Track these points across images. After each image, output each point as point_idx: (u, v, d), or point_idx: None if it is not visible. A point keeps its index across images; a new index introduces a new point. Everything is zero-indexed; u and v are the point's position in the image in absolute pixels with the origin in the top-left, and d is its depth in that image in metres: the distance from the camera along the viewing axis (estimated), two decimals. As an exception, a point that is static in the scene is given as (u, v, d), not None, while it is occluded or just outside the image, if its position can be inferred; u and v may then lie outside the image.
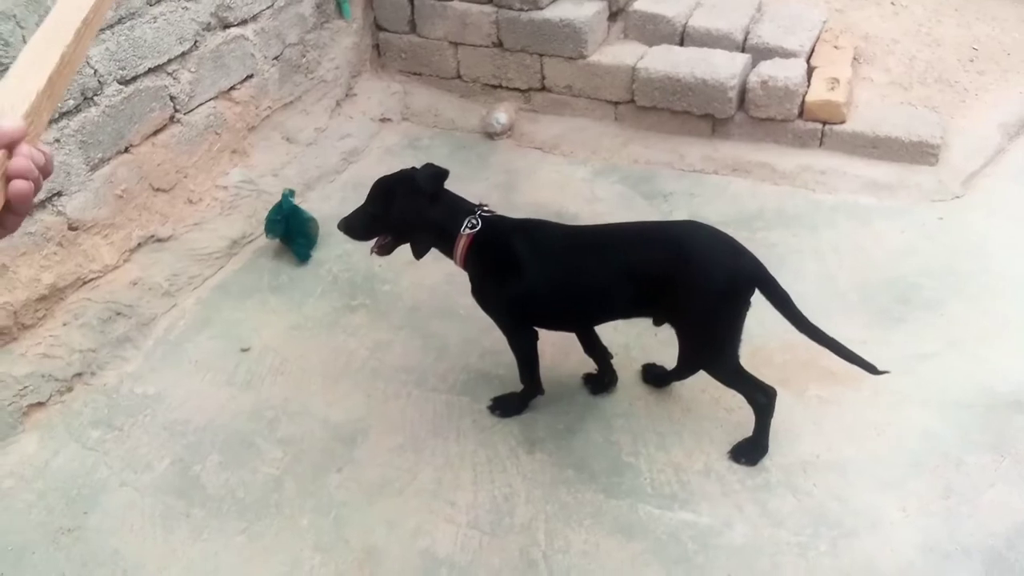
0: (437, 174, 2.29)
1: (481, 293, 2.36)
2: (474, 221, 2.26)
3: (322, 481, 2.36)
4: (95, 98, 2.80)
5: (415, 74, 4.13)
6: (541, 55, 3.83)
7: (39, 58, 0.86)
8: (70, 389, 2.67)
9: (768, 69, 3.52)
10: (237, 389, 2.67)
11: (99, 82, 2.80)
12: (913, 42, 3.98)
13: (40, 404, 2.60)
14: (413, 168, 2.34)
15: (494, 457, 2.41)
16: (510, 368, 2.53)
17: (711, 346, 2.26)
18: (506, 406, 2.53)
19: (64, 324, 2.73)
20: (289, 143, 3.62)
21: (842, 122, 3.48)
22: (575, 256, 2.26)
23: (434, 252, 2.40)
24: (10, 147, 0.79)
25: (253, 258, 3.22)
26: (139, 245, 3.01)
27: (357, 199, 3.49)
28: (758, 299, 2.21)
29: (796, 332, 2.22)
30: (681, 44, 3.79)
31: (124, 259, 2.95)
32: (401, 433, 2.49)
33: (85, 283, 2.83)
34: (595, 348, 2.54)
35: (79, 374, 2.69)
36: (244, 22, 3.36)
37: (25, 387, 2.57)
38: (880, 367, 2.22)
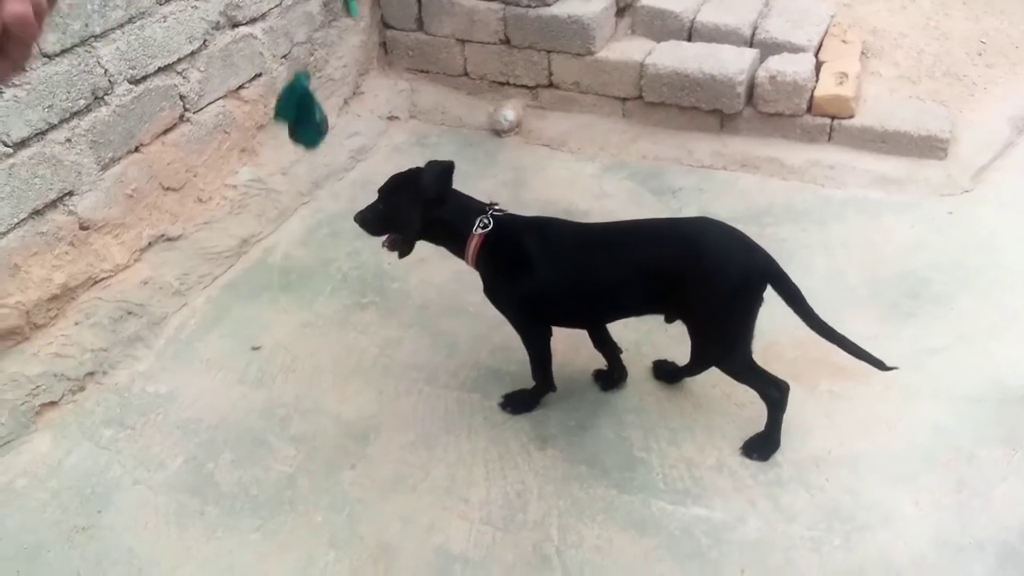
0: (442, 172, 2.29)
1: (494, 292, 2.36)
2: (486, 221, 2.26)
3: (335, 478, 2.37)
4: (106, 97, 2.80)
5: (422, 72, 4.13)
6: (549, 52, 3.83)
7: None
8: (82, 388, 2.68)
9: (776, 64, 3.52)
10: (249, 387, 2.68)
11: (110, 81, 2.81)
12: (921, 36, 3.97)
13: (53, 403, 2.61)
14: (420, 168, 2.34)
15: (506, 453, 2.41)
16: (520, 365, 2.54)
17: (724, 342, 2.26)
18: (517, 403, 2.54)
19: (76, 323, 2.74)
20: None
21: (851, 117, 3.48)
22: (587, 254, 2.26)
23: (440, 251, 2.41)
24: None
25: (263, 256, 3.23)
26: (149, 244, 3.02)
27: (366, 197, 3.49)
28: (770, 295, 2.22)
29: (807, 328, 2.22)
30: (689, 39, 3.79)
31: (135, 258, 2.96)
32: (413, 430, 2.50)
33: (96, 282, 2.84)
34: (605, 343, 2.55)
35: (91, 373, 2.70)
36: (253, 21, 3.37)
37: (38, 386, 2.58)
38: (890, 362, 2.22)
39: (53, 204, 2.70)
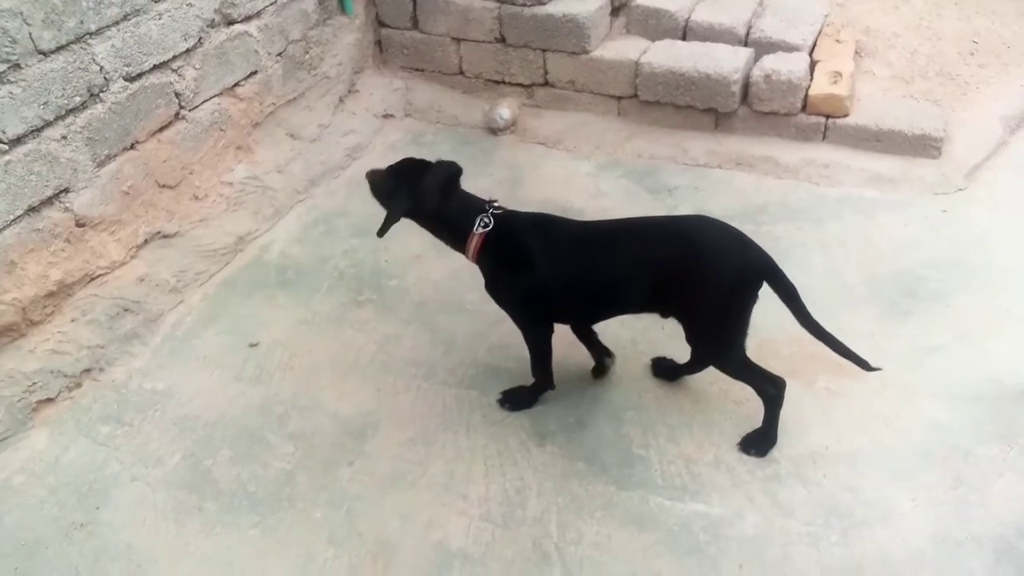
0: (445, 180, 2.29)
1: (495, 289, 2.37)
2: (486, 220, 2.27)
3: (334, 475, 2.37)
4: (101, 95, 2.80)
5: (417, 70, 4.13)
6: (544, 50, 3.83)
7: None
8: (79, 385, 2.67)
9: (771, 63, 3.54)
10: (246, 384, 2.68)
11: (105, 79, 2.79)
12: (914, 36, 4.00)
13: (49, 400, 2.60)
14: (432, 166, 2.33)
15: (505, 450, 2.42)
16: (519, 362, 2.54)
17: (720, 339, 2.27)
18: (516, 400, 2.54)
19: (72, 320, 2.73)
20: (293, 139, 3.62)
21: (845, 116, 3.50)
22: (587, 251, 2.27)
23: (437, 247, 2.42)
24: None
25: (259, 254, 3.22)
26: (146, 241, 3.02)
27: (362, 195, 3.49)
28: (765, 292, 2.23)
29: (804, 324, 2.23)
30: (684, 38, 3.80)
31: (131, 255, 2.96)
32: (411, 427, 2.50)
33: (93, 279, 2.83)
34: (587, 335, 2.57)
35: (88, 370, 2.69)
36: (248, 19, 3.36)
37: (34, 383, 2.57)
38: (888, 360, 2.24)
39: (49, 201, 2.69)
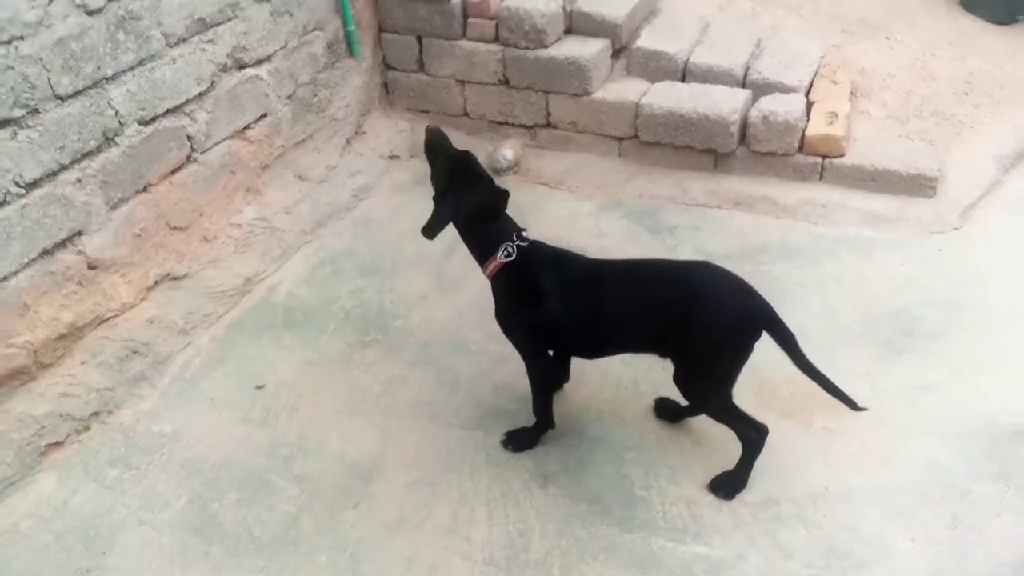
0: (485, 208, 2.34)
1: (504, 315, 2.43)
2: (510, 249, 2.32)
3: (339, 518, 2.39)
4: (116, 139, 2.87)
5: (423, 112, 4.22)
6: (546, 92, 3.92)
7: None
8: (87, 428, 2.71)
9: (768, 104, 3.61)
10: (253, 426, 2.72)
11: (120, 123, 2.87)
12: (909, 76, 4.07)
13: (58, 443, 2.64)
14: (482, 177, 2.39)
15: (508, 492, 2.44)
16: (522, 403, 2.58)
17: (709, 383, 2.32)
18: (519, 440, 2.58)
19: (82, 363, 2.77)
20: (301, 180, 3.69)
21: (841, 156, 3.56)
22: (595, 291, 2.33)
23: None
24: None
25: (267, 295, 3.27)
26: (156, 283, 3.07)
27: (369, 234, 3.59)
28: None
29: (802, 365, 2.28)
30: (683, 80, 3.88)
31: (141, 297, 3.01)
32: (416, 469, 2.53)
33: (103, 322, 2.88)
34: (564, 366, 2.66)
35: (96, 413, 2.73)
36: (259, 62, 3.45)
37: (43, 426, 2.61)
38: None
39: (63, 244, 2.75)
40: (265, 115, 3.52)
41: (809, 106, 3.69)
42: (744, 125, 3.65)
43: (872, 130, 3.76)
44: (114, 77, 2.82)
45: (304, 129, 3.76)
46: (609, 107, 3.84)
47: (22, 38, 2.50)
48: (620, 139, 3.90)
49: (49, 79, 2.60)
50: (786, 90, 3.73)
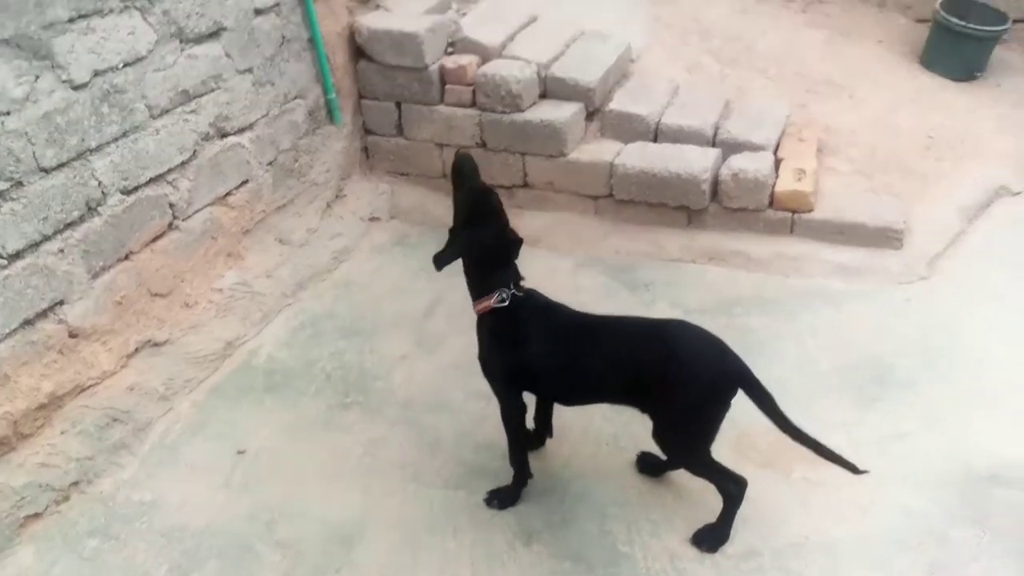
0: (489, 257, 2.37)
1: (484, 357, 2.47)
2: (505, 296, 2.35)
3: (322, 583, 2.37)
4: (99, 208, 2.91)
5: (402, 174, 4.30)
6: (523, 154, 4.02)
7: None
8: (67, 498, 2.68)
9: (738, 162, 3.73)
10: (234, 492, 2.70)
11: (103, 193, 2.92)
12: (873, 133, 4.22)
13: (37, 515, 2.61)
14: (497, 222, 2.41)
15: (492, 552, 2.44)
16: (505, 460, 2.59)
17: (686, 440, 2.36)
18: (502, 498, 2.59)
19: (62, 432, 2.76)
20: (282, 244, 3.74)
21: (810, 210, 3.67)
22: (575, 343, 2.37)
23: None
24: None
25: (247, 359, 3.28)
26: (136, 350, 3.08)
27: (349, 296, 3.62)
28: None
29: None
30: (655, 140, 4.00)
31: (122, 364, 3.01)
32: (398, 530, 2.53)
33: (83, 390, 2.87)
34: (545, 412, 2.68)
35: (76, 482, 2.71)
36: (241, 131, 3.53)
37: (23, 498, 2.58)
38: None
39: (44, 314, 2.76)
40: (246, 181, 3.58)
41: (777, 163, 3.81)
42: (715, 183, 3.76)
43: (839, 185, 3.87)
44: (98, 149, 2.88)
45: (285, 194, 3.82)
46: (584, 167, 3.94)
47: (8, 113, 2.56)
48: (596, 198, 3.99)
49: (34, 152, 2.66)
50: (755, 148, 3.85)
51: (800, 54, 4.64)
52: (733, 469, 2.40)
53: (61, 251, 2.80)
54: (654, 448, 2.65)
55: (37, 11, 2.59)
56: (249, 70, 3.50)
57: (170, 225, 3.24)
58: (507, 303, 2.36)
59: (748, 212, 3.73)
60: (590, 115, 4.11)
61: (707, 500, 2.53)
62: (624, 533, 2.47)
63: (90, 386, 2.89)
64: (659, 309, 3.40)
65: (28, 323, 2.71)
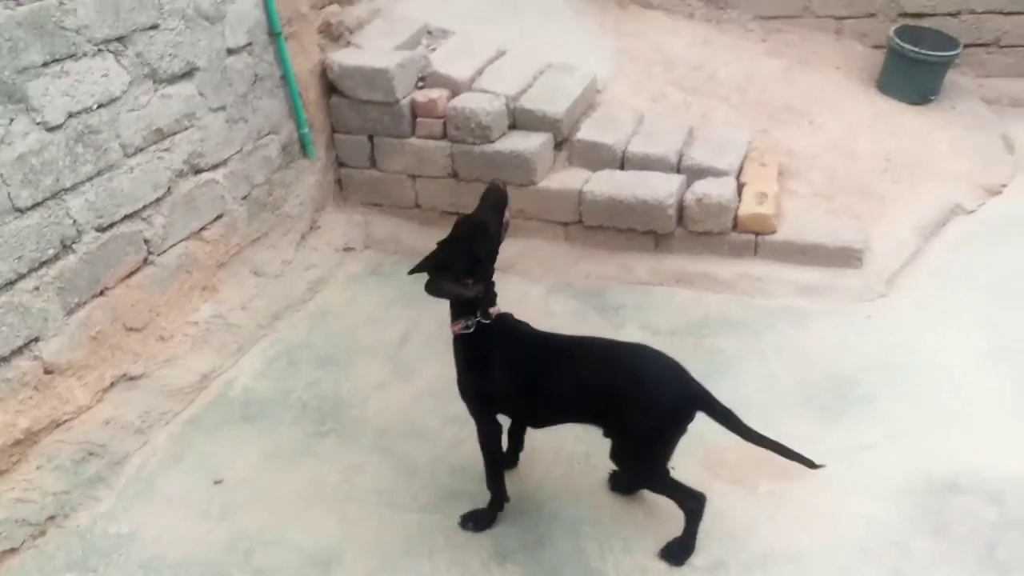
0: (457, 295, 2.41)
1: (459, 380, 2.54)
2: (469, 324, 2.41)
3: (298, 610, 2.40)
4: (74, 246, 2.95)
5: (376, 205, 4.38)
6: (494, 183, 4.11)
7: None
8: (43, 533, 2.69)
9: (702, 188, 3.84)
10: (212, 522, 2.72)
11: (78, 231, 2.96)
12: (832, 156, 4.36)
13: (13, 550, 2.61)
14: (475, 261, 2.43)
15: (467, 573, 2.48)
16: (481, 484, 2.64)
17: (645, 461, 2.42)
18: (477, 520, 2.63)
19: (38, 467, 2.77)
20: (257, 276, 3.79)
21: (773, 232, 3.78)
22: (539, 366, 2.44)
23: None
24: None
25: (224, 390, 3.32)
26: (112, 384, 3.10)
27: (325, 326, 3.67)
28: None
29: (745, 433, 2.39)
30: (622, 168, 4.11)
31: (97, 399, 3.03)
32: (375, 555, 2.56)
33: (59, 425, 2.89)
34: (518, 434, 2.75)
35: (52, 517, 2.72)
36: (215, 167, 3.59)
37: (-1, 533, 2.59)
38: (823, 460, 2.39)
39: (19, 351, 2.79)
40: (221, 216, 3.64)
41: (740, 188, 3.93)
42: (681, 207, 3.87)
43: (800, 208, 3.99)
44: (73, 188, 2.93)
45: (259, 227, 3.88)
46: (554, 195, 4.04)
47: (-17, 155, 2.61)
48: (566, 224, 4.09)
49: (9, 193, 2.70)
50: (718, 174, 3.97)
51: (761, 82, 4.80)
52: (701, 486, 2.47)
53: (36, 289, 2.83)
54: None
55: (11, 56, 2.66)
56: (222, 108, 3.58)
57: (145, 260, 3.28)
58: (472, 331, 2.42)
59: (713, 235, 3.84)
60: (559, 145, 4.21)
61: (677, 516, 2.58)
62: (597, 550, 2.52)
63: (66, 421, 2.91)
64: (629, 332, 3.49)
65: (3, 360, 2.73)
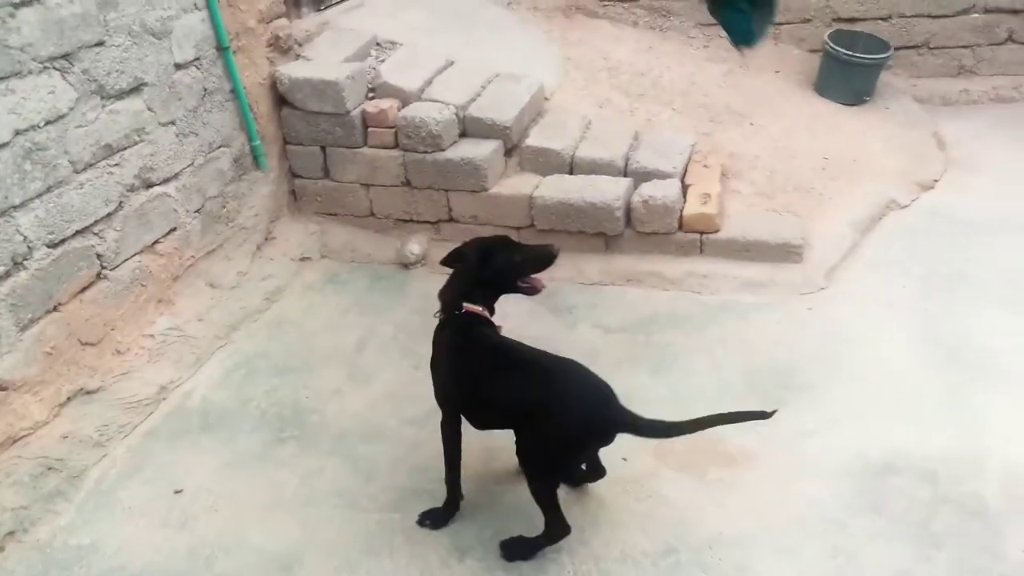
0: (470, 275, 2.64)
1: (431, 364, 2.68)
2: (441, 316, 2.65)
3: (261, 611, 2.44)
4: (25, 263, 2.95)
5: (331, 214, 4.42)
6: (447, 190, 4.19)
7: None
8: (2, 549, 2.68)
9: (648, 190, 3.96)
10: (172, 531, 2.75)
11: (28, 247, 2.96)
12: (772, 157, 4.53)
13: (-29, 567, 2.61)
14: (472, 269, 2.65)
15: (426, 569, 2.54)
16: (439, 483, 2.70)
17: (550, 469, 2.49)
18: (435, 517, 2.70)
19: (-5, 484, 2.77)
20: (213, 288, 3.81)
21: (717, 231, 3.92)
22: (480, 368, 2.55)
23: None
24: None
25: (182, 401, 3.33)
26: (68, 399, 3.10)
27: (282, 335, 3.71)
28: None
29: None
30: (571, 172, 4.22)
31: (54, 414, 3.03)
32: (336, 555, 2.61)
33: (16, 441, 2.89)
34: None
35: (11, 532, 2.71)
36: (166, 180, 3.60)
37: (-44, 551, 2.59)
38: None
39: (-28, 368, 2.79)
40: (174, 229, 3.65)
41: (685, 189, 4.07)
42: (628, 210, 3.99)
43: (743, 206, 4.14)
44: (22, 205, 2.93)
45: (214, 239, 3.90)
46: (505, 200, 4.13)
47: (-70, 173, 2.61)
48: (518, 228, 4.17)
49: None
50: (663, 176, 4.10)
51: (703, 87, 4.96)
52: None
53: (-12, 306, 2.83)
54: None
55: (-43, 74, 2.67)
56: (172, 122, 3.60)
57: (98, 275, 3.28)
58: (441, 319, 2.61)
59: (660, 235, 3.96)
60: (509, 151, 4.31)
61: (629, 505, 2.70)
62: (553, 542, 2.60)
63: (23, 436, 2.90)
64: (581, 331, 3.59)
65: (-44, 378, 2.73)
